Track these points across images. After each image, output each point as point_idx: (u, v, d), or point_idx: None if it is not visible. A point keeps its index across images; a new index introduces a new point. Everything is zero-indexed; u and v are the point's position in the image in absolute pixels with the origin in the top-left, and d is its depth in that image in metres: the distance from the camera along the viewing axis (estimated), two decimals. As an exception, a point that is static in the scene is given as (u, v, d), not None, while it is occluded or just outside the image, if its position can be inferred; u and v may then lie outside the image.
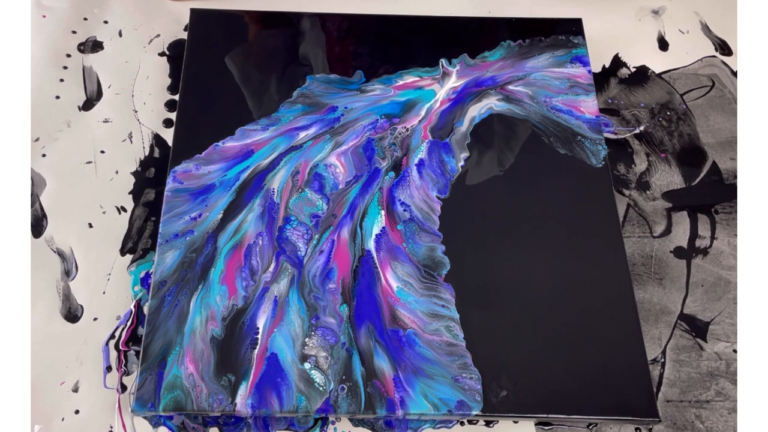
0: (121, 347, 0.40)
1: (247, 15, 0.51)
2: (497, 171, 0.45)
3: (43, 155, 0.46)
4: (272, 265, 0.40)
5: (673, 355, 0.41)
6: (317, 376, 0.37)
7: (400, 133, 0.46)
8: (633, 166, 0.48)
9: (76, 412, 0.38)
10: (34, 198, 0.45)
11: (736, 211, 0.46)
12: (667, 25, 0.55)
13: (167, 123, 0.48)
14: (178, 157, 0.44)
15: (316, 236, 0.42)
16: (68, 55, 0.51)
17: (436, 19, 0.52)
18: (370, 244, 0.41)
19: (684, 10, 0.56)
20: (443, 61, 0.49)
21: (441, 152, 0.45)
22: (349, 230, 0.42)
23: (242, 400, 0.36)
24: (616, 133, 0.49)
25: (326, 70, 0.49)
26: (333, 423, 0.39)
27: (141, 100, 0.49)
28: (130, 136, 0.48)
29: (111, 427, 0.38)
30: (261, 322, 0.39)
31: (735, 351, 0.41)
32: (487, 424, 0.39)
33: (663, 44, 0.54)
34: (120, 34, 0.52)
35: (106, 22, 0.53)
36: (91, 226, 0.44)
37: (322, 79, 0.48)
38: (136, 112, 0.49)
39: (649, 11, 0.56)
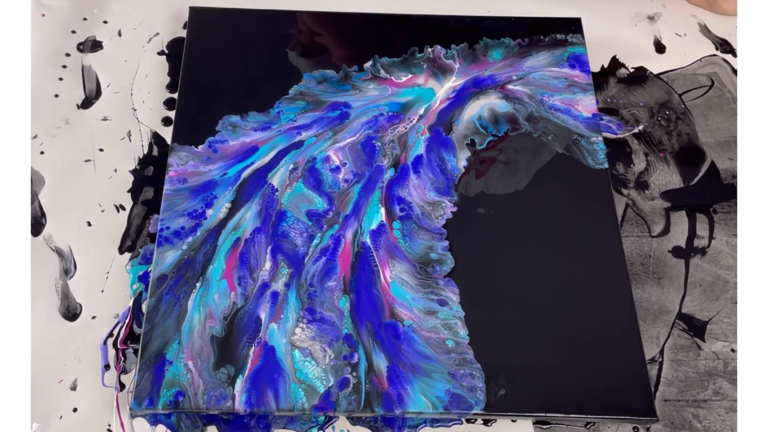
0: (119, 345, 0.40)
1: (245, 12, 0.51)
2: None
3: (42, 152, 0.46)
4: (271, 263, 0.41)
5: (671, 354, 0.41)
6: (316, 374, 0.37)
7: (399, 131, 0.46)
8: (631, 165, 0.48)
9: (75, 410, 0.38)
10: (33, 196, 0.45)
11: (734, 211, 0.46)
12: (665, 26, 0.55)
13: (166, 121, 0.48)
14: (176, 155, 0.44)
15: (318, 234, 0.42)
16: (67, 54, 0.51)
17: (436, 18, 0.52)
18: (370, 242, 0.41)
19: (682, 13, 0.56)
20: (438, 48, 0.49)
21: (440, 151, 0.45)
22: (349, 228, 0.42)
23: (241, 398, 0.36)
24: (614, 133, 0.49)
25: (325, 66, 0.49)
26: (331, 420, 0.39)
27: (140, 98, 0.49)
28: (129, 135, 0.48)
29: (109, 425, 0.38)
30: (260, 320, 0.39)
31: (733, 350, 0.42)
32: (486, 422, 0.39)
33: (660, 46, 0.54)
34: (119, 34, 0.52)
35: (105, 22, 0.53)
36: (89, 224, 0.44)
37: (320, 76, 0.48)
38: (135, 110, 0.49)
39: (646, 15, 0.56)
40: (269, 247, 0.41)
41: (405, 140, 0.46)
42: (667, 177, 0.48)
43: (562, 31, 0.51)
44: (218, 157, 0.44)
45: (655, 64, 0.53)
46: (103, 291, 0.42)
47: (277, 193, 0.43)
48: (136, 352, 0.40)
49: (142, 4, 0.53)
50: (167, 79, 0.50)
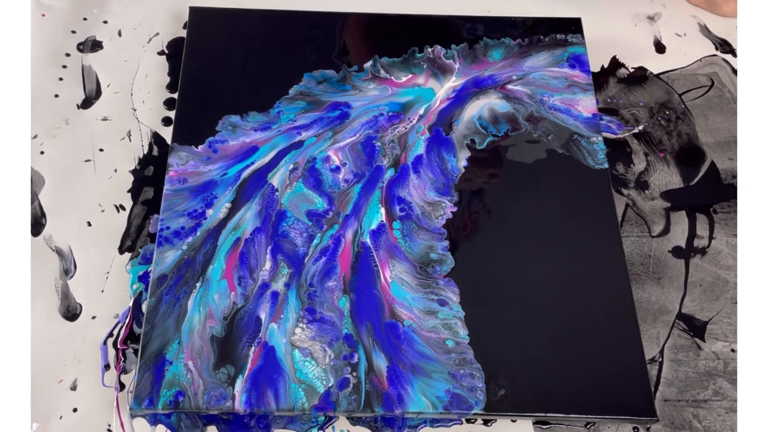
0: (119, 345, 0.40)
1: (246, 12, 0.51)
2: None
3: (42, 152, 0.46)
4: (271, 263, 0.41)
5: (671, 354, 0.41)
6: (316, 374, 0.37)
7: (399, 131, 0.46)
8: (632, 165, 0.48)
9: (75, 410, 0.38)
10: (33, 196, 0.45)
11: (734, 211, 0.46)
12: (666, 26, 0.55)
13: (166, 121, 0.48)
14: (176, 155, 0.44)
15: (318, 234, 0.42)
16: (67, 54, 0.51)
17: (436, 18, 0.52)
18: (370, 242, 0.41)
19: (682, 13, 0.56)
20: (438, 48, 0.49)
21: (440, 151, 0.45)
22: (349, 228, 0.42)
23: (241, 398, 0.36)
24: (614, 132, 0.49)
25: (326, 66, 0.49)
26: (331, 420, 0.39)
27: (140, 98, 0.49)
28: (129, 135, 0.48)
29: (109, 425, 0.38)
30: (260, 320, 0.39)
31: (733, 350, 0.42)
32: (486, 422, 0.39)
33: (660, 46, 0.54)
34: (119, 34, 0.52)
35: (105, 22, 0.53)
36: (89, 224, 0.44)
37: (320, 76, 0.48)
38: (135, 110, 0.49)
39: (646, 15, 0.56)
40: (269, 247, 0.41)
41: (405, 140, 0.46)
42: (667, 177, 0.48)
43: (562, 31, 0.51)
44: (218, 157, 0.44)
45: (655, 64, 0.53)
46: (103, 291, 0.42)
47: (277, 193, 0.43)
48: (136, 352, 0.40)
49: (142, 4, 0.53)
50: (167, 79, 0.50)
